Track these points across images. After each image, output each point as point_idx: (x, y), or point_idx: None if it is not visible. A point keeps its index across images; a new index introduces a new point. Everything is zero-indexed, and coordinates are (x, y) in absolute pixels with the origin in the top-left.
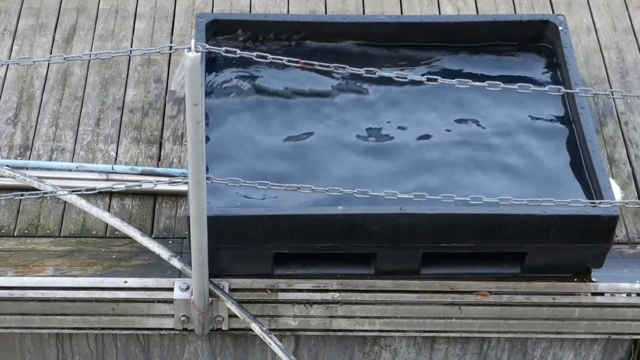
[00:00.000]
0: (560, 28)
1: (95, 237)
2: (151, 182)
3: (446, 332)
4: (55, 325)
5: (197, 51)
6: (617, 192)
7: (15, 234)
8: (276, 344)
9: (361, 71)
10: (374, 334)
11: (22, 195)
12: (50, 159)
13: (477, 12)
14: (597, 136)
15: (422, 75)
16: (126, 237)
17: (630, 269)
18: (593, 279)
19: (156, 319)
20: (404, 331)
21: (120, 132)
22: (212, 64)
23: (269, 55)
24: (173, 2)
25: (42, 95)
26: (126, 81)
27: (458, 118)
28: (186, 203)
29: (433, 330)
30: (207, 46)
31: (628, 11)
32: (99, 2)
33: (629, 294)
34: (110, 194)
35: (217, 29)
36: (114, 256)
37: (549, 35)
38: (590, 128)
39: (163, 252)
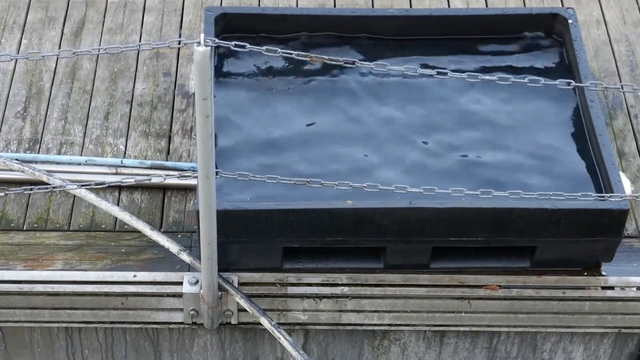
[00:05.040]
0: (569, 21)
1: (105, 231)
2: (160, 176)
3: (456, 326)
4: (64, 319)
5: (206, 45)
6: (627, 186)
7: (24, 228)
8: (285, 338)
9: (371, 65)
10: (383, 328)
11: (31, 189)
12: (59, 153)
13: (487, 6)
14: (607, 129)
15: (432, 68)
16: (135, 231)
17: None
18: (603, 273)
19: (165, 313)
20: (414, 325)
21: (129, 125)
22: (222, 58)
23: (279, 49)
24: None
25: (51, 89)
26: (135, 75)
27: (465, 110)
28: (195, 197)
29: (443, 324)
30: (217, 40)
31: (638, 4)
32: None
33: (639, 288)
34: (120, 187)
35: (226, 22)
36: (123, 250)
37: (558, 29)
38: (600, 121)
39: (172, 246)
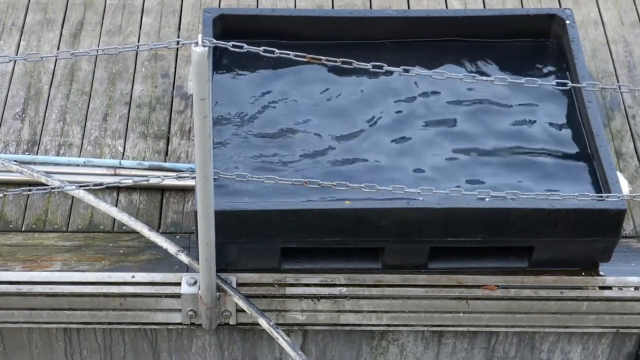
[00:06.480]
0: (567, 22)
1: (103, 232)
2: (159, 177)
3: (454, 326)
4: (63, 320)
5: (204, 46)
6: (625, 186)
7: (23, 229)
8: (283, 338)
9: (368, 66)
10: (381, 328)
11: (29, 190)
12: (57, 154)
13: (485, 7)
14: (605, 130)
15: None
16: (134, 232)
17: (638, 262)
18: (601, 273)
19: (164, 313)
20: (412, 325)
21: (128, 127)
22: (219, 59)
23: (276, 50)
24: None
25: (49, 91)
26: (133, 76)
27: (460, 112)
28: (193, 198)
29: (441, 325)
30: (214, 41)
31: (635, 5)
32: None
33: (636, 288)
34: (118, 188)
35: (224, 23)
36: (121, 251)
37: (556, 29)
38: (598, 122)
39: (170, 247)
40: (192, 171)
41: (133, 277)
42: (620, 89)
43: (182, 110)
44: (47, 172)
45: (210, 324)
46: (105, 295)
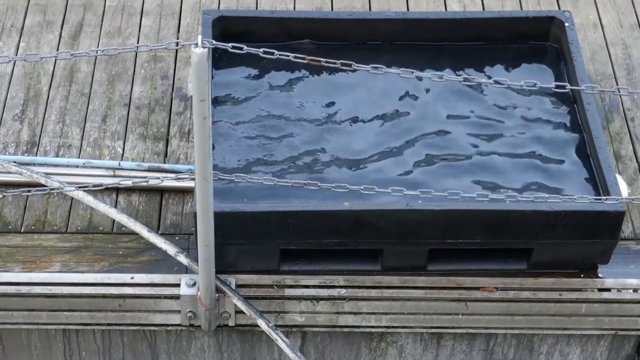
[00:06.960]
0: (566, 24)
1: (102, 233)
2: (158, 178)
3: (453, 328)
4: (62, 321)
5: (203, 47)
6: (624, 188)
7: (22, 230)
8: (282, 340)
9: (367, 68)
10: (380, 330)
11: (29, 191)
12: (57, 156)
13: (484, 9)
14: (604, 132)
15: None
16: (133, 233)
17: (636, 264)
18: (600, 275)
19: (163, 315)
20: (411, 327)
21: (127, 128)
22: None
23: (276, 52)
24: None
25: (48, 92)
26: (133, 78)
27: (460, 114)
28: (193, 199)
29: (439, 327)
30: (214, 42)
31: (634, 7)
32: None
33: (635, 290)
34: (117, 190)
35: (223, 25)
36: (120, 252)
37: (555, 32)
38: (597, 124)
39: (170, 248)
40: (191, 172)
41: (132, 278)
42: (619, 91)
43: (181, 111)
44: (46, 173)
45: (209, 325)
46: (104, 296)
